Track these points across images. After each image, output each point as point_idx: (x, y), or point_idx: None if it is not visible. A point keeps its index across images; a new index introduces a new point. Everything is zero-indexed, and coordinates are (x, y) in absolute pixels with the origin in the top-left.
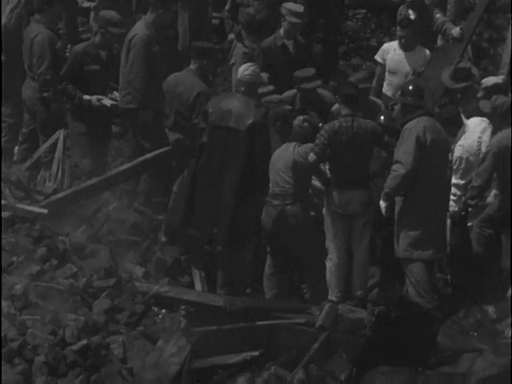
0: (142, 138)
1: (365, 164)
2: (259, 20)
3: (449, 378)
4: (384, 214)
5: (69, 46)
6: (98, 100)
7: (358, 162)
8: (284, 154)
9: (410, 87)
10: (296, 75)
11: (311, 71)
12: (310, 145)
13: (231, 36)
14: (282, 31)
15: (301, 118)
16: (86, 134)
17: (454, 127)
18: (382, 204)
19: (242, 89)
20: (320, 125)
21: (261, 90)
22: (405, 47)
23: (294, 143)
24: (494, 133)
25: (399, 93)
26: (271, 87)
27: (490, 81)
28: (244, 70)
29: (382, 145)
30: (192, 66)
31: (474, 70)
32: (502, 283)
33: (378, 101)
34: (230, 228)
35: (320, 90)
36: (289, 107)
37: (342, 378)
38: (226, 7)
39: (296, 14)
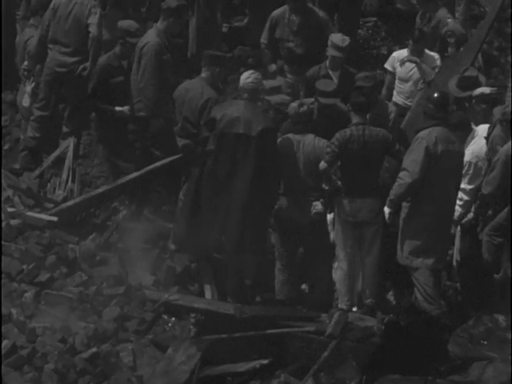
0: (152, 146)
1: (375, 172)
2: (300, 54)
3: None
4: (387, 221)
5: None
6: (129, 110)
7: (369, 170)
8: (304, 148)
9: (436, 95)
10: (316, 86)
11: (332, 86)
12: (326, 142)
13: (272, 67)
14: (327, 62)
15: (295, 104)
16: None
17: (463, 133)
18: (386, 210)
19: (246, 95)
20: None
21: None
22: (416, 52)
23: (311, 136)
24: (502, 139)
25: (423, 98)
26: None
27: (477, 90)
28: (246, 77)
29: (392, 153)
30: (203, 74)
31: (482, 78)
32: None
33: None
34: (241, 235)
35: (338, 104)
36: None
37: None
38: (263, 38)
39: (337, 48)
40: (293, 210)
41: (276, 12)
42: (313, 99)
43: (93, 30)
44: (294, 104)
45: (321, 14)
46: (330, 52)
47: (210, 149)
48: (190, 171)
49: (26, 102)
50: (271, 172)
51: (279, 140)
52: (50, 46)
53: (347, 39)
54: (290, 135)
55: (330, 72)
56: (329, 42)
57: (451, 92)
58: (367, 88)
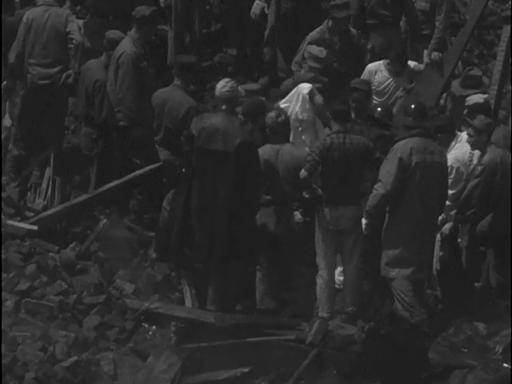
0: (133, 155)
1: (356, 180)
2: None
3: None
4: (364, 232)
5: None
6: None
7: (350, 178)
8: (283, 158)
9: (412, 106)
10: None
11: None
12: (307, 150)
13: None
14: (302, 71)
15: (272, 114)
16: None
17: (446, 136)
18: (363, 221)
19: (224, 107)
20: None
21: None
22: (394, 72)
23: (289, 145)
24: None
25: (394, 110)
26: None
27: (472, 99)
28: (222, 86)
29: (373, 162)
30: (177, 82)
31: (485, 79)
32: (493, 300)
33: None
34: (229, 246)
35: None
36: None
37: None
38: (296, 59)
39: (315, 59)
40: (272, 220)
41: (313, 34)
42: (312, 74)
43: (76, 36)
44: (272, 114)
45: (352, 30)
46: (309, 63)
47: (194, 164)
48: (172, 181)
49: (7, 122)
50: (253, 184)
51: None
52: (30, 61)
53: (324, 51)
54: (269, 145)
55: None
56: (306, 54)
57: (454, 91)
58: (361, 92)
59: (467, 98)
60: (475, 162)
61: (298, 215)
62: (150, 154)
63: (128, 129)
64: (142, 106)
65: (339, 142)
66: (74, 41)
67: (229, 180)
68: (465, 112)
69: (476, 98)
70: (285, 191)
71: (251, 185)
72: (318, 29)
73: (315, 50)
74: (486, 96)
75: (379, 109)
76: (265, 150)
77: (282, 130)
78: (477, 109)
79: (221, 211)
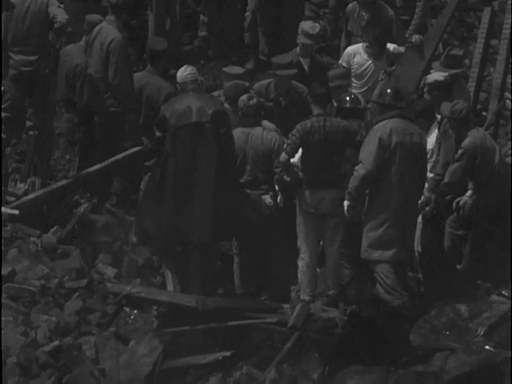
0: (126, 140)
1: (337, 163)
2: None
3: (421, 377)
4: (346, 214)
5: None
6: None
7: (330, 161)
8: (253, 142)
9: (389, 90)
10: (273, 61)
11: (288, 58)
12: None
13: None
14: (298, 49)
15: (244, 97)
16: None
17: (427, 121)
18: (345, 203)
19: (190, 87)
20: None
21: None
22: (373, 55)
23: (259, 129)
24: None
25: (375, 93)
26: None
27: (432, 77)
28: (182, 72)
29: (354, 144)
30: (150, 68)
31: (466, 61)
32: (474, 282)
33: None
34: (215, 224)
35: (295, 82)
36: (246, 83)
37: (315, 377)
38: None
39: (307, 35)
40: (243, 204)
41: (349, 5)
42: (270, 80)
43: (60, 18)
44: (244, 97)
45: (390, 11)
46: (301, 39)
47: (167, 147)
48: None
49: None
50: (230, 155)
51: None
52: (13, 48)
53: (317, 26)
54: (239, 129)
55: (301, 59)
56: (299, 30)
57: (435, 70)
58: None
59: (427, 76)
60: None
61: (267, 199)
62: (141, 138)
63: (122, 114)
64: (134, 90)
65: (319, 125)
66: (57, 23)
67: (209, 151)
68: (425, 89)
69: (436, 76)
70: (255, 175)
71: (230, 157)
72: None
73: (307, 25)
74: (446, 74)
75: (347, 98)
76: (235, 133)
77: (253, 114)
78: (436, 87)
79: (203, 188)
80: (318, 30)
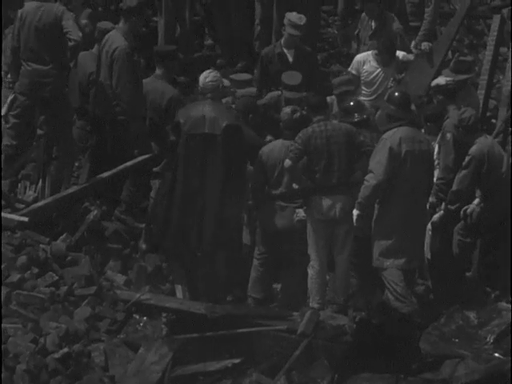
0: (134, 148)
1: (343, 168)
2: None
3: None
4: (355, 223)
5: None
6: None
7: (336, 166)
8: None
9: (396, 94)
10: (282, 80)
11: (298, 79)
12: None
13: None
14: (282, 40)
15: (287, 109)
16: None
17: (436, 125)
18: (355, 212)
19: (209, 95)
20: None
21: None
22: (382, 63)
23: (289, 142)
24: (445, 138)
25: (385, 98)
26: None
27: (434, 81)
28: (205, 77)
29: (357, 145)
30: (158, 72)
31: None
32: (483, 289)
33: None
34: (217, 232)
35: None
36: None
37: None
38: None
39: (295, 26)
40: (276, 216)
41: (362, 14)
42: (279, 92)
43: (75, 36)
44: (288, 110)
45: (396, 24)
46: (288, 30)
47: (180, 152)
48: (160, 173)
49: (3, 111)
50: (240, 168)
51: (269, 143)
52: (24, 56)
53: (304, 18)
54: (280, 140)
55: (285, 50)
56: (285, 21)
57: (445, 76)
58: (352, 92)
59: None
60: None
61: (301, 213)
62: (149, 145)
63: (128, 122)
64: (140, 98)
65: (321, 129)
66: (71, 41)
67: (217, 163)
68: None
69: (438, 80)
70: (291, 187)
71: (238, 169)
72: None
73: (294, 16)
74: (448, 78)
75: (352, 103)
76: (276, 145)
77: (295, 127)
78: (439, 90)
79: (209, 197)
80: (304, 20)
